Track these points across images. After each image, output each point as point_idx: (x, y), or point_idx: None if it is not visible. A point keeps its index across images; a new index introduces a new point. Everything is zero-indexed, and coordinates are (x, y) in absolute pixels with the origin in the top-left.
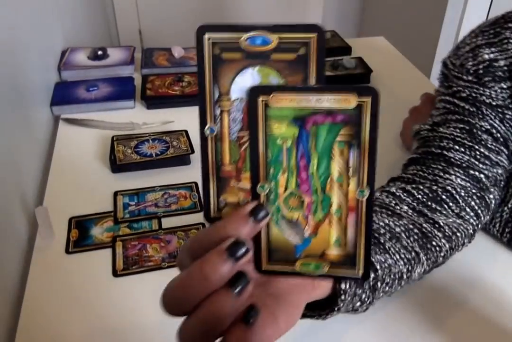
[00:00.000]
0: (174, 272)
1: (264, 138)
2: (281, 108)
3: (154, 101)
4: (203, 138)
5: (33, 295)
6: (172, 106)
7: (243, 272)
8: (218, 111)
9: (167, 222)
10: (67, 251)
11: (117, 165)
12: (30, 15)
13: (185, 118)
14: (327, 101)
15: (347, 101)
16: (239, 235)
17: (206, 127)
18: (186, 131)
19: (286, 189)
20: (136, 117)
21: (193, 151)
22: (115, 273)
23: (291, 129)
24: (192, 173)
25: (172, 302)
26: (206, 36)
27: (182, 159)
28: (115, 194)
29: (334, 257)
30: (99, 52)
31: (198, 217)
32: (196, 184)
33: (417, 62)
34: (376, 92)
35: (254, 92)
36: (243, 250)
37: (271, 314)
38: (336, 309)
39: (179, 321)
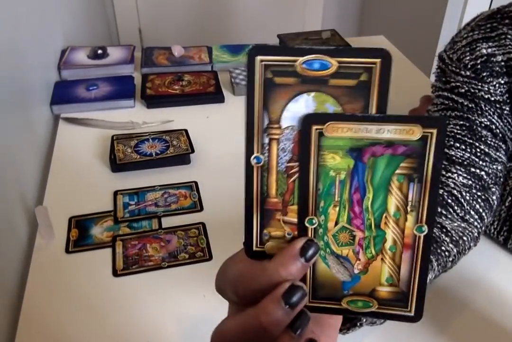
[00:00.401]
0: (174, 272)
1: (316, 170)
2: (337, 138)
3: (154, 101)
4: (249, 168)
5: (33, 295)
6: (172, 105)
7: (304, 311)
8: (266, 140)
9: (167, 222)
10: (67, 251)
11: (117, 165)
12: (30, 15)
13: (185, 118)
14: (389, 131)
15: (411, 132)
16: (291, 277)
17: (253, 157)
18: (186, 131)
19: (336, 223)
20: (136, 116)
21: (193, 151)
22: (115, 273)
23: (346, 161)
24: (192, 172)
25: None
26: (259, 58)
27: (182, 159)
28: (115, 193)
29: (385, 294)
30: (99, 51)
31: (198, 216)
32: (196, 183)
33: (417, 61)
34: (444, 124)
35: (308, 120)
36: (299, 295)
37: (318, 340)
38: (358, 324)
39: (178, 322)
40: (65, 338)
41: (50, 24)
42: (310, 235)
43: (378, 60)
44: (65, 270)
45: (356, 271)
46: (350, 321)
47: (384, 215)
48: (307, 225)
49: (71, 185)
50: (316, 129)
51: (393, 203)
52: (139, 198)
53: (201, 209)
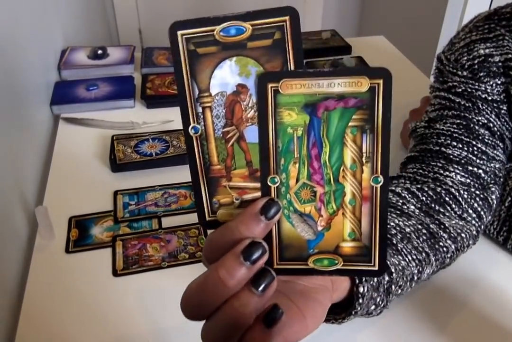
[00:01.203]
0: (174, 272)
1: (274, 127)
2: (292, 95)
3: (154, 101)
4: (188, 139)
5: (33, 295)
6: (172, 105)
7: (268, 269)
8: (200, 109)
9: (167, 221)
10: (67, 251)
11: (117, 165)
12: (30, 15)
13: None
14: (339, 85)
15: (359, 84)
16: (253, 235)
17: (190, 127)
18: None
19: (297, 180)
20: (136, 116)
21: None
22: (115, 273)
23: (302, 117)
24: None
25: (190, 308)
26: (179, 33)
27: (182, 159)
28: (115, 193)
29: (349, 250)
30: (99, 52)
31: None
32: None
33: (417, 61)
34: (388, 73)
35: (263, 79)
36: (259, 252)
37: (300, 312)
38: (353, 312)
39: (177, 322)
40: (65, 338)
41: (50, 24)
42: (273, 194)
43: (287, 18)
44: (65, 270)
45: (319, 228)
46: (345, 311)
47: (342, 168)
48: (269, 184)
49: (71, 185)
50: (271, 87)
51: (349, 155)
52: (139, 198)
53: None
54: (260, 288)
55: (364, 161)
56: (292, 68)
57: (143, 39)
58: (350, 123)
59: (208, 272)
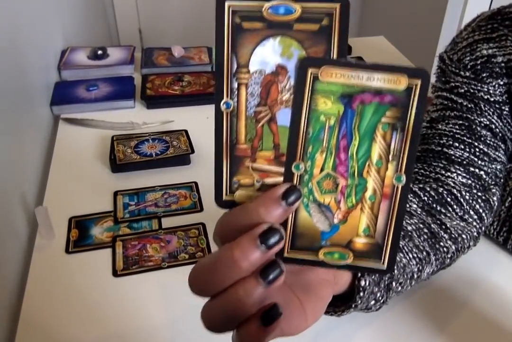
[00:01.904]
0: (174, 272)
1: (307, 114)
2: (330, 83)
3: (154, 101)
4: (218, 114)
5: (33, 295)
6: (172, 106)
7: (278, 262)
8: (235, 85)
9: (167, 222)
10: (67, 251)
11: (117, 165)
12: (30, 15)
13: (185, 118)
14: (378, 80)
15: (398, 82)
16: (271, 220)
17: (222, 102)
18: (186, 131)
19: (321, 170)
20: (136, 117)
21: (193, 151)
22: (115, 273)
23: (337, 106)
24: (192, 172)
25: (198, 284)
26: (227, 3)
27: (182, 159)
28: (115, 193)
29: (361, 246)
30: (99, 52)
31: (198, 217)
32: (196, 183)
33: (417, 61)
34: (427, 75)
35: (304, 64)
36: (276, 237)
37: (301, 306)
38: (353, 306)
39: (177, 322)
40: (65, 338)
41: (50, 24)
42: (295, 181)
43: (337, 5)
44: (65, 270)
45: (335, 221)
46: (345, 304)
47: (367, 163)
48: (293, 170)
49: (71, 185)
50: (311, 73)
51: (376, 151)
52: (139, 198)
53: (201, 209)
54: (268, 280)
55: (390, 158)
56: (335, 57)
57: (143, 39)
58: (382, 119)
59: (222, 251)
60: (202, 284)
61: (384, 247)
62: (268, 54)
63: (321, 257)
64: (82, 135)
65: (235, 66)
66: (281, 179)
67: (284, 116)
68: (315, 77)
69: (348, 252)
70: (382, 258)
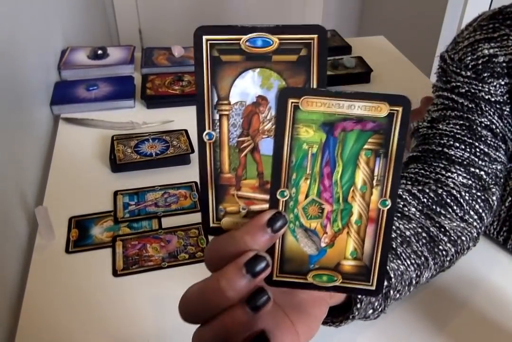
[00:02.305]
0: (174, 272)
1: (290, 142)
2: (311, 112)
3: (154, 101)
4: (201, 144)
5: (33, 295)
6: (172, 105)
7: (264, 289)
8: (217, 116)
9: (167, 222)
10: (67, 251)
11: (117, 165)
12: (30, 15)
13: (185, 118)
14: (359, 108)
15: (379, 109)
16: (257, 247)
17: (205, 133)
18: (186, 131)
19: (307, 196)
20: (136, 116)
21: (193, 151)
22: (115, 273)
23: (319, 135)
24: (192, 172)
25: (187, 311)
26: (205, 37)
27: (182, 159)
28: (115, 193)
29: (349, 268)
30: (99, 52)
31: (198, 217)
32: (196, 183)
33: (417, 61)
34: (408, 102)
35: (284, 94)
36: (262, 265)
37: (292, 326)
38: (350, 317)
39: (177, 322)
40: (65, 338)
41: (50, 24)
42: (281, 208)
43: (315, 36)
44: (65, 270)
45: (322, 245)
46: (343, 314)
47: (352, 188)
48: (278, 197)
49: (71, 185)
50: (292, 103)
51: (360, 177)
52: (139, 198)
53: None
54: (254, 307)
55: (374, 184)
56: (315, 86)
57: (143, 39)
58: (365, 146)
59: (209, 280)
60: (191, 312)
61: (372, 269)
62: (248, 86)
63: (310, 280)
64: (82, 135)
65: (215, 98)
66: (266, 205)
67: (266, 146)
68: (296, 106)
69: (336, 274)
70: (371, 279)
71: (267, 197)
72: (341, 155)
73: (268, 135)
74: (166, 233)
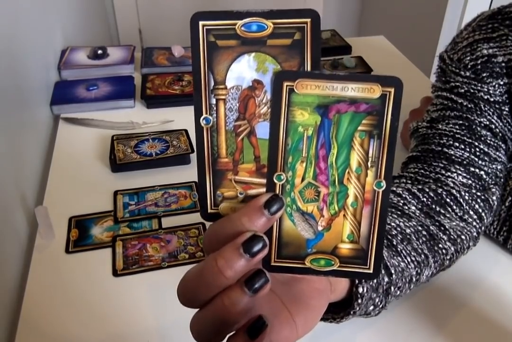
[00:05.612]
0: (174, 272)
1: (285, 126)
2: (306, 95)
3: (154, 101)
4: (198, 130)
5: (33, 295)
6: (172, 105)
7: (263, 270)
8: (213, 101)
9: (167, 222)
10: (67, 251)
11: (117, 165)
12: (30, 15)
13: (185, 118)
14: (352, 89)
15: (372, 90)
16: (254, 229)
17: (202, 118)
18: (186, 131)
19: (303, 179)
20: (136, 116)
21: (193, 151)
22: (115, 273)
23: (314, 117)
24: (192, 172)
25: (186, 294)
26: (201, 23)
27: (182, 159)
28: (115, 193)
29: (346, 251)
30: (99, 52)
31: (198, 217)
32: (196, 183)
33: (417, 61)
34: (400, 82)
35: (280, 78)
36: (260, 245)
37: (290, 317)
38: (351, 313)
39: (177, 322)
40: (65, 338)
41: (50, 24)
42: (278, 192)
43: (308, 20)
44: (65, 270)
45: (319, 228)
46: (344, 310)
47: (347, 170)
48: (275, 181)
49: (71, 185)
50: (287, 86)
51: (355, 158)
52: (139, 198)
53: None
54: (253, 288)
55: (369, 165)
56: (309, 69)
57: (143, 39)
58: (359, 128)
59: (207, 260)
60: (189, 294)
61: (369, 251)
62: (243, 70)
63: (308, 264)
64: (82, 135)
65: (212, 83)
66: (263, 190)
67: (263, 129)
68: (291, 89)
69: (334, 258)
70: (368, 262)
71: (264, 181)
72: (336, 138)
73: (264, 119)
74: (166, 233)
